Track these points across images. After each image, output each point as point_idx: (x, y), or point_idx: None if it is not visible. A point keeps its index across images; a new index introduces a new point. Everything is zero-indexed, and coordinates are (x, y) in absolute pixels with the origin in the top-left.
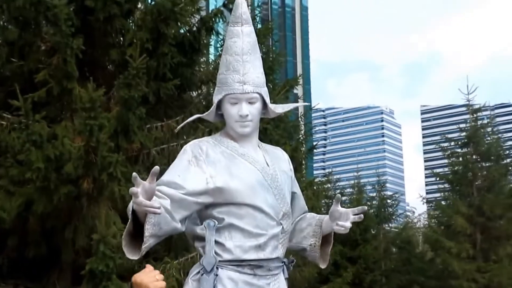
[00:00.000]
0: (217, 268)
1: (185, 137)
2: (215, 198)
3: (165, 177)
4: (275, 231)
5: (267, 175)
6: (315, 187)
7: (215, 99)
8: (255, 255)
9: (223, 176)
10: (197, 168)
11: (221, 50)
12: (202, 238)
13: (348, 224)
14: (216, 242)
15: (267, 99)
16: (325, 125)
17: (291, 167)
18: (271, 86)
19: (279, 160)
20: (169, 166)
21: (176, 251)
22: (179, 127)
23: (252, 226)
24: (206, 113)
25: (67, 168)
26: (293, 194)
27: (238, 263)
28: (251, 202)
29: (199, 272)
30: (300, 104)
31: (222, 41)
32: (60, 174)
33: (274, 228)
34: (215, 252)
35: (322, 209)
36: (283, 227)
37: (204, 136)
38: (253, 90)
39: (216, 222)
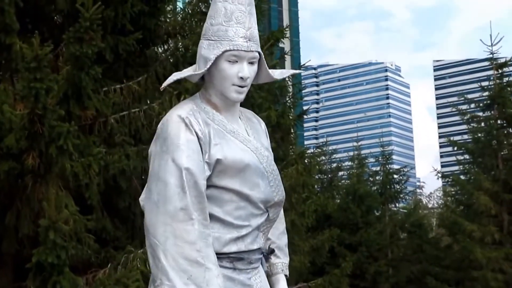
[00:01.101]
0: None
1: (148, 102)
2: (213, 175)
3: (185, 161)
4: (259, 221)
5: (263, 158)
6: (306, 160)
7: (211, 55)
8: (235, 247)
9: (217, 153)
10: (196, 145)
11: None
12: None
13: None
14: None
15: (264, 60)
16: (317, 85)
17: (269, 140)
18: None
19: (259, 133)
20: (133, 136)
21: (141, 238)
22: (165, 83)
23: (233, 217)
24: (199, 71)
25: (7, 140)
26: None
27: (217, 256)
28: (240, 188)
29: None
30: (299, 71)
31: None
32: None
33: (258, 217)
34: None
35: (316, 186)
36: (269, 215)
37: (173, 100)
38: (257, 48)
39: None
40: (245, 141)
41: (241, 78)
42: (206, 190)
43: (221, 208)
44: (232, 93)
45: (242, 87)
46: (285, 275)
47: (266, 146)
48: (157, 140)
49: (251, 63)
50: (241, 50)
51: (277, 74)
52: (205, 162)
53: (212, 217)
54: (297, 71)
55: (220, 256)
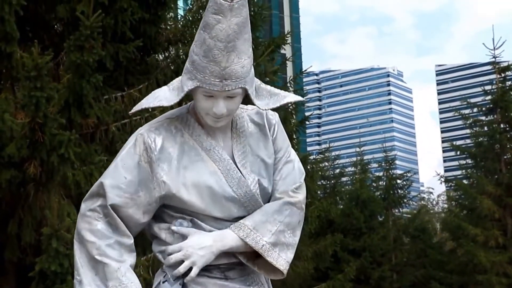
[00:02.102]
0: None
1: (150, 110)
2: (167, 201)
3: (110, 176)
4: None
5: (232, 180)
6: (309, 166)
7: (185, 86)
8: (224, 260)
9: (176, 180)
10: (147, 168)
11: (193, 4)
12: (161, 241)
13: None
14: (162, 241)
15: (252, 92)
16: (319, 91)
17: (277, 132)
18: (253, 46)
19: (255, 144)
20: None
21: (144, 245)
22: (133, 110)
23: (205, 226)
24: (169, 101)
25: (9, 149)
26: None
27: (205, 267)
28: (209, 213)
29: (164, 281)
30: (295, 98)
31: None
32: (0, 156)
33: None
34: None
35: (319, 192)
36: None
37: (174, 108)
38: (235, 86)
39: (190, 224)
40: (218, 161)
41: (215, 113)
42: (179, 211)
43: (204, 222)
44: (209, 122)
45: (219, 118)
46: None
47: (265, 157)
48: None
49: (230, 97)
50: (213, 90)
51: (271, 104)
52: (166, 194)
53: (196, 232)
54: (301, 98)
55: (209, 266)
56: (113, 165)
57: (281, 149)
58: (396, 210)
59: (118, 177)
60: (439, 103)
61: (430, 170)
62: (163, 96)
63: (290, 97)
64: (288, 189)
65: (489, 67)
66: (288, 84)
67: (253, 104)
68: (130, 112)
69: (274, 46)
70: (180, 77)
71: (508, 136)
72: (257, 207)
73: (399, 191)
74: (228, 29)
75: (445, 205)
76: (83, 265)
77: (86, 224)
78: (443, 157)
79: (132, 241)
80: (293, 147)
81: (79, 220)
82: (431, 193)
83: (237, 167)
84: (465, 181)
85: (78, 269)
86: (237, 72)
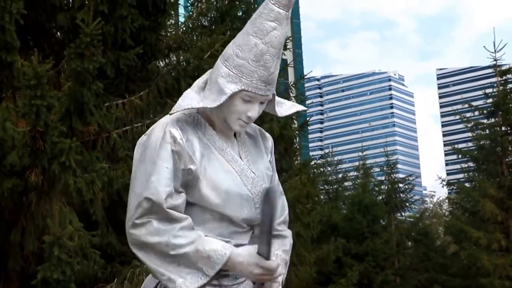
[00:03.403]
0: None
1: (151, 116)
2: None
3: (152, 169)
4: (243, 239)
5: (247, 179)
6: (310, 171)
7: (228, 89)
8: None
9: (199, 171)
10: (177, 156)
11: (193, 11)
12: None
13: None
14: None
15: (277, 99)
16: (321, 96)
17: (272, 157)
18: None
19: (257, 153)
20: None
21: None
22: (174, 111)
23: (215, 234)
24: (213, 104)
25: (10, 157)
26: None
27: None
28: (221, 210)
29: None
30: (300, 107)
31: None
32: (1, 165)
33: (242, 235)
34: None
35: (322, 197)
36: (253, 232)
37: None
38: (273, 91)
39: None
40: (232, 161)
41: (249, 117)
42: (187, 207)
43: (203, 225)
44: (235, 126)
45: (247, 123)
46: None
47: (263, 167)
48: (139, 146)
49: (262, 102)
50: (258, 94)
51: (283, 110)
52: (187, 169)
53: None
54: (303, 108)
55: None
56: (150, 162)
57: (276, 177)
58: (399, 214)
59: (160, 170)
60: (441, 107)
61: (433, 173)
62: (199, 98)
63: (298, 107)
64: (285, 221)
65: (490, 70)
66: (289, 90)
67: (272, 110)
68: (170, 112)
69: None
70: (201, 78)
71: (510, 138)
72: None
73: (401, 195)
74: (281, 36)
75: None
76: (160, 265)
77: (142, 230)
78: (445, 161)
79: (189, 219)
80: (294, 152)
81: (132, 232)
82: (433, 196)
83: (249, 168)
84: (467, 184)
85: (158, 270)
86: (276, 78)
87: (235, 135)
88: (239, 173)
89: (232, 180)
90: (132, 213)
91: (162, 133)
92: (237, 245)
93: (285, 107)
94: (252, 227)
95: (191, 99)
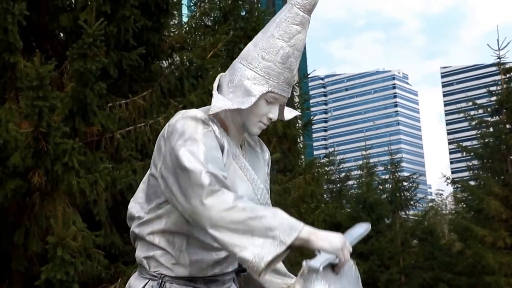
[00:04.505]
0: (164, 282)
1: (155, 116)
2: None
3: (208, 161)
4: None
5: (258, 189)
6: (315, 170)
7: (256, 91)
8: (211, 272)
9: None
10: (215, 140)
11: (196, 11)
12: (151, 245)
13: None
14: (164, 250)
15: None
16: (325, 95)
17: (269, 169)
18: None
19: (259, 164)
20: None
21: None
22: (213, 112)
23: (212, 240)
24: (245, 105)
25: (13, 159)
26: None
27: (191, 278)
28: None
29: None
30: (296, 113)
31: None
32: (5, 166)
33: None
34: (160, 265)
35: (325, 196)
36: None
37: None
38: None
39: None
40: (244, 168)
41: (270, 119)
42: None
43: (202, 230)
44: (255, 128)
45: (265, 125)
46: None
47: (263, 179)
48: (167, 139)
49: (281, 104)
50: (283, 95)
51: (286, 115)
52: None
53: (191, 237)
54: (298, 113)
55: (194, 278)
56: (202, 150)
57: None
58: (403, 213)
59: (213, 158)
60: (445, 105)
61: (438, 172)
62: (230, 101)
63: (294, 112)
64: None
65: (494, 68)
66: (293, 89)
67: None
68: (210, 113)
69: None
70: (216, 82)
71: None
72: None
73: (406, 193)
74: (304, 40)
75: (453, 207)
76: (233, 237)
77: (218, 206)
78: (450, 159)
79: None
80: (298, 151)
81: (206, 203)
82: (441, 194)
83: (258, 178)
84: (472, 182)
85: (235, 245)
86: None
87: (241, 145)
88: (250, 182)
89: (246, 188)
90: (195, 190)
91: (200, 121)
92: None
93: (286, 111)
94: None
95: (223, 100)
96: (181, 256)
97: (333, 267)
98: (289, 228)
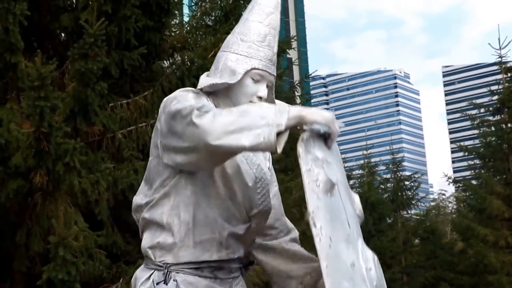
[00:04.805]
0: (169, 272)
1: (156, 116)
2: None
3: (192, 97)
4: (240, 229)
5: (253, 164)
6: None
7: (240, 69)
8: (216, 255)
9: None
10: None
11: (197, 10)
12: (160, 229)
13: None
14: (169, 233)
15: (273, 89)
16: (326, 95)
17: (270, 164)
18: None
19: (261, 157)
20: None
21: None
22: (200, 86)
23: (217, 213)
24: (229, 81)
25: (15, 159)
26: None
27: (197, 266)
28: (230, 182)
29: (150, 278)
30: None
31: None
32: (6, 166)
33: (239, 224)
34: (165, 252)
35: None
36: (250, 225)
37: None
38: (275, 73)
39: None
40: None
41: (259, 97)
42: (196, 176)
43: (207, 200)
44: None
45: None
46: None
47: (261, 162)
48: (161, 112)
49: (268, 86)
50: (267, 71)
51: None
52: None
53: (200, 213)
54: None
55: (201, 265)
56: (192, 98)
57: (275, 181)
58: (405, 212)
59: (203, 102)
60: (447, 104)
61: (440, 171)
62: (213, 77)
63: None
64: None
65: (495, 67)
66: (294, 89)
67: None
68: (198, 87)
69: (279, 51)
70: (203, 76)
71: None
72: (267, 195)
73: (408, 192)
74: (278, 20)
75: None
76: (240, 137)
77: (209, 120)
78: (452, 158)
79: None
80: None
81: (201, 133)
82: (444, 194)
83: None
84: (474, 182)
85: (240, 140)
86: (276, 59)
87: None
88: (245, 158)
89: (241, 162)
90: (186, 119)
91: (191, 91)
92: (234, 232)
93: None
94: (250, 219)
95: (211, 79)
96: (185, 237)
97: (326, 141)
98: (278, 112)
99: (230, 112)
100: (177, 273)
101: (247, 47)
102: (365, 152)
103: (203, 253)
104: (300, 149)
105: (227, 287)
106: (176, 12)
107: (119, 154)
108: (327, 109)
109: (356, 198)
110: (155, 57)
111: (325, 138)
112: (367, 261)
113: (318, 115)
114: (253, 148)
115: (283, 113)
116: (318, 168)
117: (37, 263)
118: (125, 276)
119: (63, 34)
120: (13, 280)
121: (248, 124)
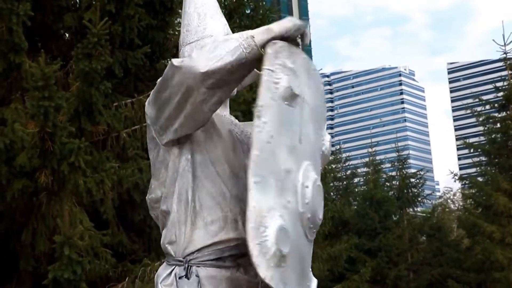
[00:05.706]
0: (190, 266)
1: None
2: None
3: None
4: (242, 208)
5: (248, 139)
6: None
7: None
8: (232, 233)
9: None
10: None
11: None
12: (173, 214)
13: None
14: (182, 219)
15: None
16: (331, 93)
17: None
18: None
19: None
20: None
21: (157, 251)
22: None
23: (223, 191)
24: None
25: (20, 159)
26: None
27: (218, 255)
28: (232, 157)
29: (171, 274)
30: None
31: None
32: (12, 166)
33: (241, 203)
34: (183, 242)
35: (332, 194)
36: None
37: None
38: None
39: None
40: (228, 122)
41: None
42: (198, 156)
43: (211, 181)
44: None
45: None
46: None
47: None
48: (147, 110)
49: None
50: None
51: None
52: None
53: (203, 188)
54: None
55: (222, 254)
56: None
57: None
58: (411, 209)
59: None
60: (452, 101)
61: (445, 168)
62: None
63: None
64: None
65: (500, 63)
66: None
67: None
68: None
69: None
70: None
71: None
72: None
73: (413, 189)
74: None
75: (460, 203)
76: (225, 54)
77: (192, 58)
78: (458, 155)
79: None
80: None
81: (186, 72)
82: (450, 191)
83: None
84: (480, 178)
85: (224, 56)
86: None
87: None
88: (239, 133)
89: (231, 130)
90: (172, 70)
91: None
92: (242, 214)
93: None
94: None
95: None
96: (196, 219)
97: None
98: (244, 32)
99: (202, 47)
100: (198, 267)
101: (197, 31)
102: (370, 149)
103: (218, 232)
104: (270, 50)
105: (252, 274)
106: (180, 10)
107: (123, 153)
108: (332, 107)
109: (327, 137)
110: (159, 56)
111: (298, 44)
112: (307, 179)
113: (288, 22)
114: (240, 61)
115: (248, 32)
116: (283, 74)
117: (43, 262)
118: (131, 274)
119: (66, 34)
120: (19, 280)
121: (224, 46)
